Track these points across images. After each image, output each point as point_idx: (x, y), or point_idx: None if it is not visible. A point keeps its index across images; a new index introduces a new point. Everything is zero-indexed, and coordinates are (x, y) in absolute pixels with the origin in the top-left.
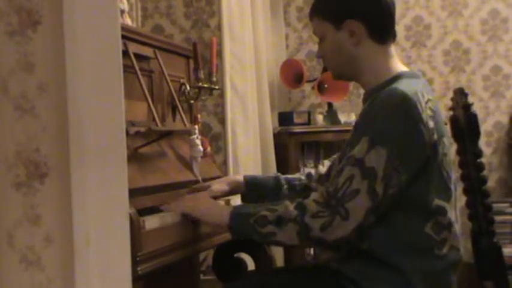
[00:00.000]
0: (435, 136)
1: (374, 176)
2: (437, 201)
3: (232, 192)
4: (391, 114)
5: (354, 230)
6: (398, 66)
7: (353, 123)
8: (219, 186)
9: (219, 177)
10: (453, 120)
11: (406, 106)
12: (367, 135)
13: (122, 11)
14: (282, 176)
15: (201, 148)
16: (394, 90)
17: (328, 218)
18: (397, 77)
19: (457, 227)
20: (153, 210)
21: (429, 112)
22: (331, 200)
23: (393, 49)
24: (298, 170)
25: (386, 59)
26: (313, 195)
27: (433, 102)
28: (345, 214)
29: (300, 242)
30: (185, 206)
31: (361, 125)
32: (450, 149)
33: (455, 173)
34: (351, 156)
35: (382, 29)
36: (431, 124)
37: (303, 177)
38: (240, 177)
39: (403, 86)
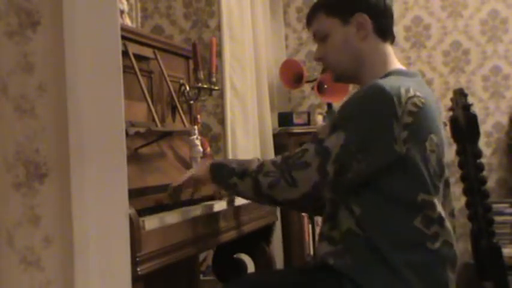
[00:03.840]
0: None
1: (327, 155)
2: (423, 196)
3: None
4: (361, 105)
5: (303, 197)
6: (395, 64)
7: None
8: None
9: None
10: (453, 121)
11: (379, 99)
12: (334, 120)
13: (122, 12)
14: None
15: (200, 148)
16: (373, 83)
17: (274, 178)
18: (389, 74)
19: (449, 224)
20: (153, 210)
21: (410, 107)
22: (282, 164)
23: (391, 49)
24: None
25: (385, 56)
26: (275, 157)
27: (422, 99)
28: (291, 181)
29: (254, 196)
30: (182, 177)
31: (336, 112)
32: (443, 146)
33: (454, 174)
34: (314, 134)
35: (386, 24)
36: (408, 119)
37: None
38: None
39: (386, 81)
